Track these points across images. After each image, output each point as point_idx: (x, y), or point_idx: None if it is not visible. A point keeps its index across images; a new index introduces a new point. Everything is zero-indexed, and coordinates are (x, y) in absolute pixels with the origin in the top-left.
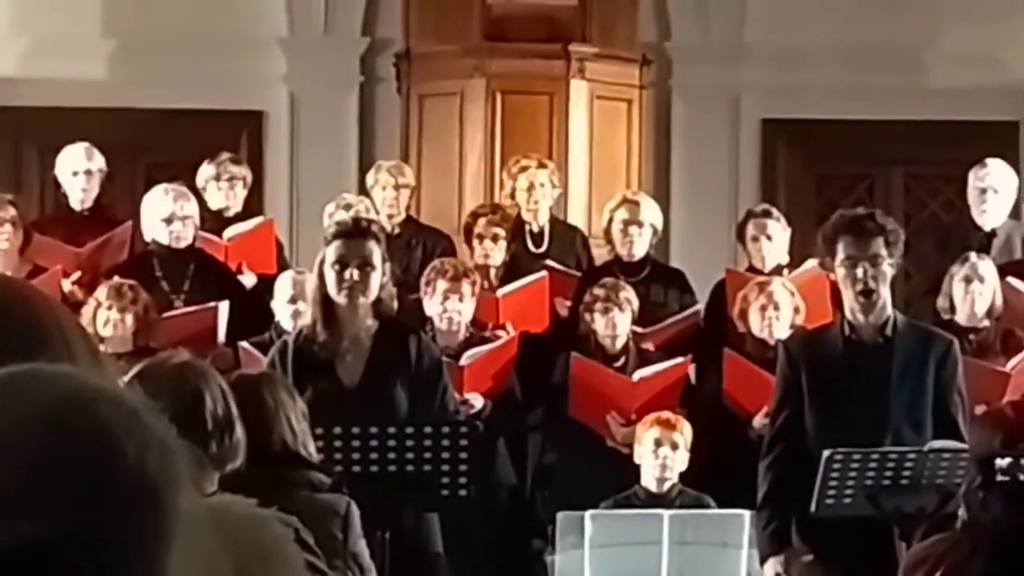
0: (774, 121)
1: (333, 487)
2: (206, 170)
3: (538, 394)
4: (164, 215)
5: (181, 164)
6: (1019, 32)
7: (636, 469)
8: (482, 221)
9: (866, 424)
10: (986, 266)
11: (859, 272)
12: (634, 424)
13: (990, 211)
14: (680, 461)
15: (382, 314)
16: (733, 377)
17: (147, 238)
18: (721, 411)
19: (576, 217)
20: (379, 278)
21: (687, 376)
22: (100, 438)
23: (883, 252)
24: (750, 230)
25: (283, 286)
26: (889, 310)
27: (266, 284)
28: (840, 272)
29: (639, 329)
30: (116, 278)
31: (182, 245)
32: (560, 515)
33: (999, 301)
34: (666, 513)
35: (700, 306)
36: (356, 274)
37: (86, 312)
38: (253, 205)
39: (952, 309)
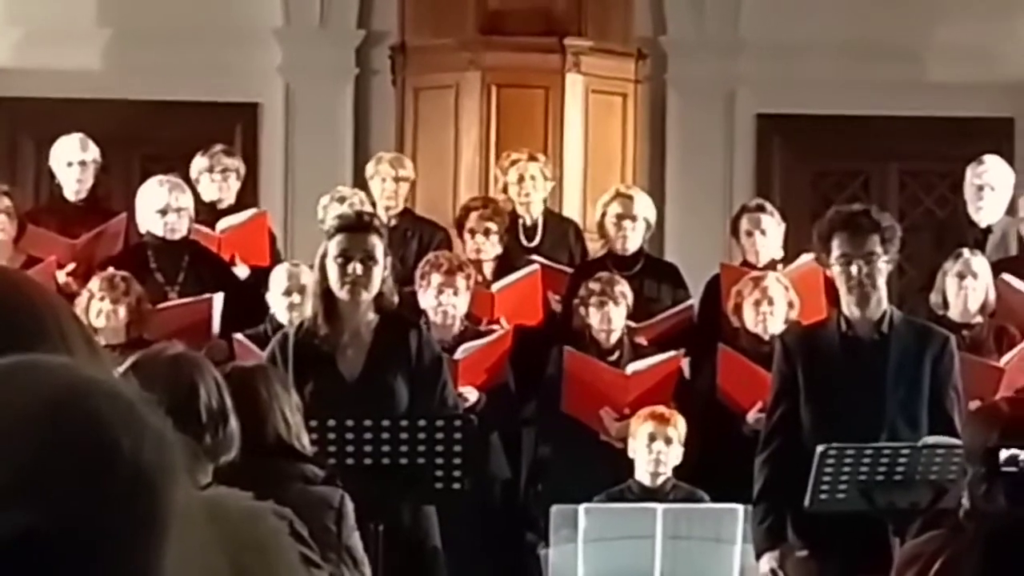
0: (769, 116)
1: (327, 480)
2: (199, 162)
3: (532, 388)
4: (159, 206)
5: (176, 155)
6: (1015, 28)
7: (630, 463)
8: (474, 215)
9: (862, 419)
10: (979, 262)
11: (854, 270)
12: (627, 418)
13: (986, 208)
14: (674, 455)
15: (383, 308)
16: (727, 372)
17: (142, 230)
18: (715, 406)
19: (571, 211)
20: (381, 272)
21: (680, 370)
22: (96, 430)
23: (878, 249)
24: (744, 225)
25: (278, 278)
26: (885, 306)
27: (259, 276)
28: (836, 269)
29: (632, 324)
30: (110, 269)
31: (177, 237)
32: (554, 509)
33: (992, 297)
34: (660, 507)
35: (694, 301)
36: (359, 268)
37: (79, 303)
38: (248, 197)
39: (945, 305)
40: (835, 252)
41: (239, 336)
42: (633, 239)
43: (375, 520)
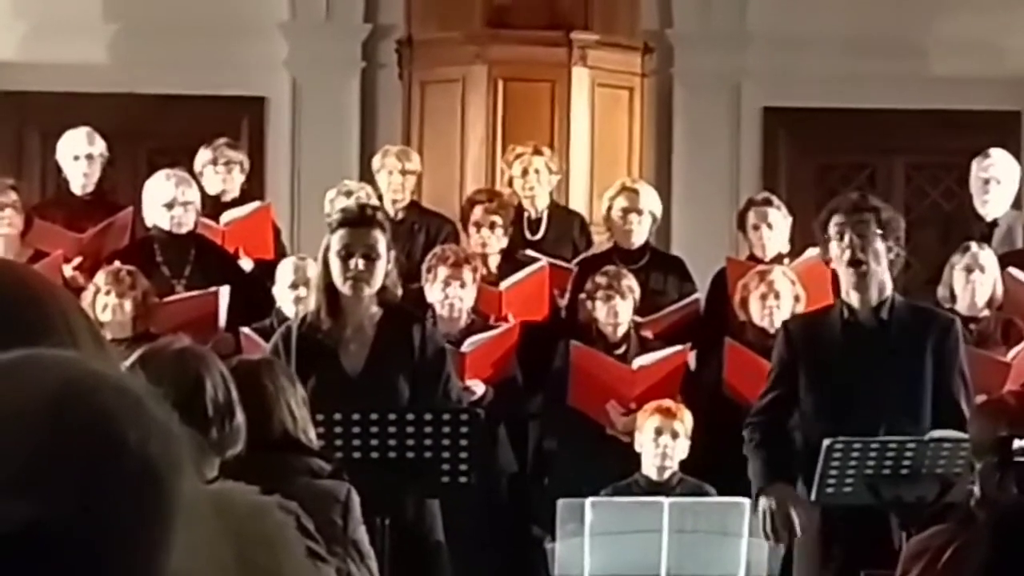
0: (775, 109)
1: (333, 473)
2: (203, 155)
3: (539, 381)
4: (165, 200)
5: (182, 149)
6: (1021, 21)
7: (636, 457)
8: (479, 209)
9: (863, 405)
10: (987, 255)
11: (847, 240)
12: (633, 412)
13: (992, 201)
14: (680, 449)
15: (386, 302)
16: (734, 366)
17: (148, 223)
18: (722, 400)
19: (577, 204)
20: (384, 267)
21: (687, 364)
22: (102, 423)
23: (874, 227)
24: (751, 218)
25: (285, 272)
26: (888, 292)
27: (263, 269)
28: (833, 249)
29: (638, 318)
30: (116, 263)
31: (183, 230)
32: (560, 502)
33: (999, 291)
34: (666, 501)
35: (700, 294)
36: (361, 263)
37: (85, 297)
38: (254, 190)
39: (953, 298)
40: (832, 231)
41: (246, 330)
42: (639, 233)
43: (382, 514)
